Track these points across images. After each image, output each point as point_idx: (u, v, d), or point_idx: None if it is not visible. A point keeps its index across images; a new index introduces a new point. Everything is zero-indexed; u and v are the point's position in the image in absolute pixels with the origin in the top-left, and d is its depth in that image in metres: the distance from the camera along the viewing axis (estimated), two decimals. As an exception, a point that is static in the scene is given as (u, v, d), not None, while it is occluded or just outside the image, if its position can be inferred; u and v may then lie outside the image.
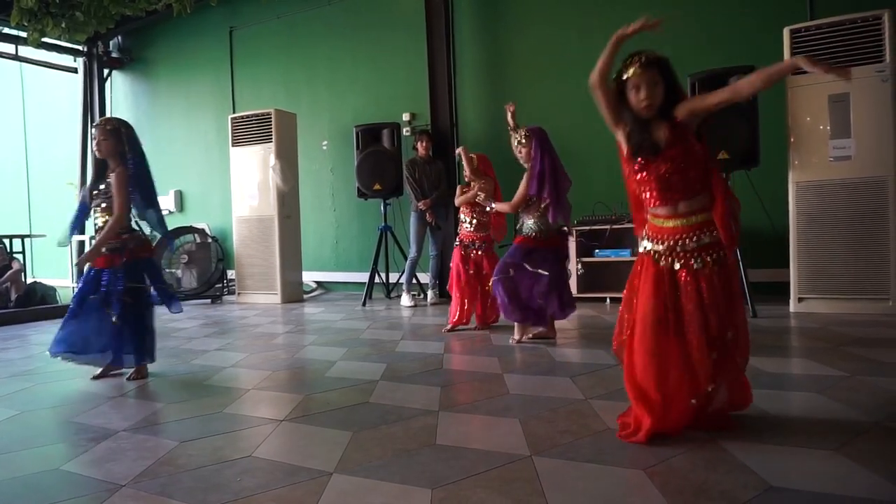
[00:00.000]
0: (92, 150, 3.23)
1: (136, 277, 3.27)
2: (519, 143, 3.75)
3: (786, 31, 4.54)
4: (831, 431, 2.03)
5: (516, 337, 3.85)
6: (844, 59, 4.33)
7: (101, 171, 3.24)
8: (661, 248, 2.09)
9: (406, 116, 6.99)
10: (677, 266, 2.06)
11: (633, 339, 2.11)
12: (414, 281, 6.23)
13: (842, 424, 2.10)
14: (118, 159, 3.20)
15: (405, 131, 6.84)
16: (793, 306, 4.58)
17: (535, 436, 2.11)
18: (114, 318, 3.16)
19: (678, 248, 2.06)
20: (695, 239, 2.05)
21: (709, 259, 2.04)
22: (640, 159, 2.06)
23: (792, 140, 4.58)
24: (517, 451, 1.98)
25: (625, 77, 2.05)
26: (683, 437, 2.02)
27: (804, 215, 4.51)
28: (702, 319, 2.01)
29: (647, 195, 2.11)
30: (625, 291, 2.21)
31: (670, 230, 2.08)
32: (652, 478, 1.74)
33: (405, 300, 6.01)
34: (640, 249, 2.17)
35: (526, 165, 3.74)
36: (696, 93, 4.65)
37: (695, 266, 2.04)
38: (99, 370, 3.31)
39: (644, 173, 2.07)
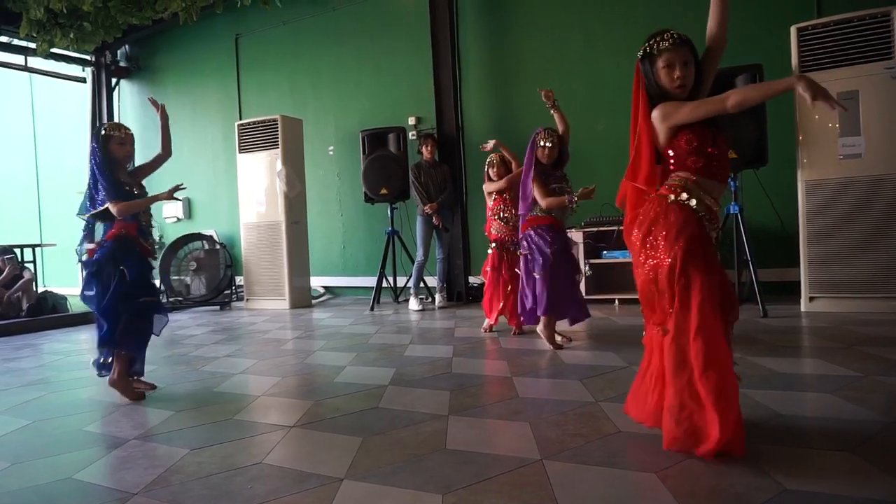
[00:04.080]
0: (113, 153, 3.05)
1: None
2: (552, 145, 3.73)
3: (793, 30, 4.51)
4: (846, 433, 2.01)
5: (560, 340, 3.81)
6: (853, 56, 4.31)
7: (116, 173, 3.10)
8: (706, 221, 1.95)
9: (412, 120, 7.01)
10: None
11: (694, 327, 1.84)
12: (422, 285, 6.23)
13: (856, 425, 2.08)
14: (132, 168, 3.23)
15: (411, 135, 6.84)
16: (804, 306, 4.54)
17: (545, 439, 2.10)
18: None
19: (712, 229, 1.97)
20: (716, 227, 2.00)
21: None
22: (703, 132, 1.91)
23: (801, 138, 4.55)
24: (528, 454, 1.97)
25: (654, 52, 1.93)
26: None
27: (814, 214, 4.48)
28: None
29: (700, 166, 1.93)
30: (658, 255, 1.94)
31: (715, 214, 1.97)
32: (664, 481, 1.72)
33: (413, 304, 6.01)
34: (688, 201, 1.92)
35: (545, 162, 3.75)
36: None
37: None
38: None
39: (714, 148, 1.92)
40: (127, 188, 3.08)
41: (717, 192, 1.98)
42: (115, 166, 3.08)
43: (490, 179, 4.53)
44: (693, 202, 1.92)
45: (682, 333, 1.87)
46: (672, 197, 1.95)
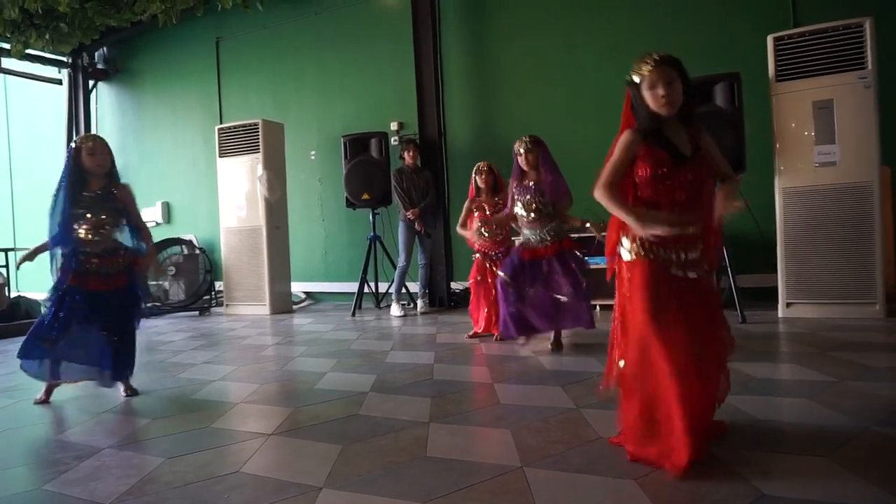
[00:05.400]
0: (83, 163, 3.07)
1: (136, 299, 3.25)
2: (527, 149, 3.79)
3: (769, 39, 4.58)
4: (822, 437, 2.03)
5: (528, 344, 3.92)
6: (828, 65, 4.39)
7: (81, 185, 3.11)
8: (661, 254, 1.96)
9: (394, 125, 6.99)
10: (676, 272, 1.96)
11: (645, 362, 1.90)
12: (403, 290, 6.21)
13: (832, 430, 2.10)
14: (110, 177, 3.18)
15: (393, 140, 6.83)
16: (781, 311, 4.60)
17: (526, 446, 2.10)
18: (115, 339, 3.10)
19: (676, 256, 1.97)
20: (692, 251, 1.98)
21: (701, 271, 2.00)
22: (662, 164, 1.94)
23: (777, 146, 4.62)
24: (508, 462, 1.97)
25: (637, 79, 1.96)
26: (675, 445, 2.01)
27: (791, 221, 4.54)
28: (703, 326, 1.93)
29: (653, 200, 1.98)
30: (616, 310, 2.04)
31: (672, 238, 1.95)
32: (644, 487, 1.72)
33: (395, 310, 5.98)
34: (629, 256, 2.00)
35: (526, 168, 3.82)
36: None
37: (692, 275, 1.97)
38: (43, 391, 3.16)
39: (668, 181, 1.94)
40: (81, 207, 3.09)
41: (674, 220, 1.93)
42: (85, 177, 3.11)
43: (477, 187, 4.57)
44: (629, 255, 2.00)
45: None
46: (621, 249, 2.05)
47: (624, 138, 2.00)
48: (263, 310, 6.62)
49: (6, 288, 6.57)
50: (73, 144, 3.14)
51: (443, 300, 6.45)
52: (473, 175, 4.59)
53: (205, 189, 8.19)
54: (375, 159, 6.33)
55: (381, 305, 6.66)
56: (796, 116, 4.52)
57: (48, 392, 3.16)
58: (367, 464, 2.02)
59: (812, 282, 4.49)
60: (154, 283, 7.11)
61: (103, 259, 3.13)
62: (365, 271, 6.38)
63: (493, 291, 4.33)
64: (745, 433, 2.11)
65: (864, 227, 4.31)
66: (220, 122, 7.80)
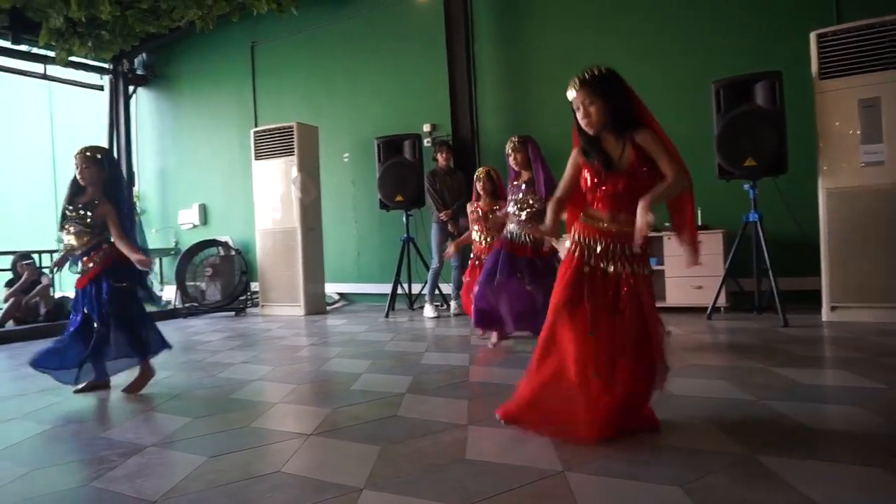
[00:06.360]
0: (77, 175, 3.30)
1: (118, 277, 3.33)
2: (514, 149, 3.97)
3: (812, 36, 4.47)
4: (875, 446, 1.96)
5: (494, 340, 4.07)
6: (874, 62, 4.25)
7: (75, 196, 3.32)
8: (596, 247, 2.19)
9: (427, 127, 7.01)
10: (604, 265, 2.18)
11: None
12: (437, 292, 6.21)
13: (886, 439, 2.03)
14: (101, 187, 3.31)
15: (426, 142, 6.84)
16: (825, 315, 4.47)
17: (566, 450, 2.07)
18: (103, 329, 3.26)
19: (610, 251, 2.18)
20: (625, 247, 2.17)
21: (636, 268, 2.17)
22: (597, 173, 2.18)
23: (821, 146, 4.50)
24: (549, 466, 1.94)
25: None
26: (720, 452, 1.97)
27: (836, 222, 4.41)
28: (611, 318, 2.14)
29: (595, 203, 2.23)
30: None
31: (606, 232, 2.19)
32: (690, 494, 1.69)
33: (428, 311, 5.99)
34: (571, 246, 2.26)
35: (516, 168, 4.02)
36: (720, 100, 4.60)
37: (617, 269, 2.16)
38: (82, 384, 3.34)
39: (602, 187, 2.17)
40: (67, 220, 3.30)
41: (609, 218, 2.19)
42: (79, 188, 3.32)
43: (476, 192, 4.68)
44: (576, 253, 2.24)
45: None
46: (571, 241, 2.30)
47: (571, 156, 2.29)
48: (298, 311, 6.69)
49: (51, 288, 6.76)
50: None
51: (475, 302, 6.43)
52: (474, 183, 4.71)
53: (240, 191, 8.32)
54: (409, 161, 6.35)
55: (415, 307, 6.67)
56: (841, 115, 4.40)
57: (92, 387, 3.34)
58: (407, 465, 2.02)
59: (857, 285, 4.35)
60: (192, 283, 7.25)
61: (89, 257, 3.30)
62: (398, 273, 6.40)
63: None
64: (793, 441, 2.05)
65: (914, 229, 4.17)
66: (256, 125, 7.91)
